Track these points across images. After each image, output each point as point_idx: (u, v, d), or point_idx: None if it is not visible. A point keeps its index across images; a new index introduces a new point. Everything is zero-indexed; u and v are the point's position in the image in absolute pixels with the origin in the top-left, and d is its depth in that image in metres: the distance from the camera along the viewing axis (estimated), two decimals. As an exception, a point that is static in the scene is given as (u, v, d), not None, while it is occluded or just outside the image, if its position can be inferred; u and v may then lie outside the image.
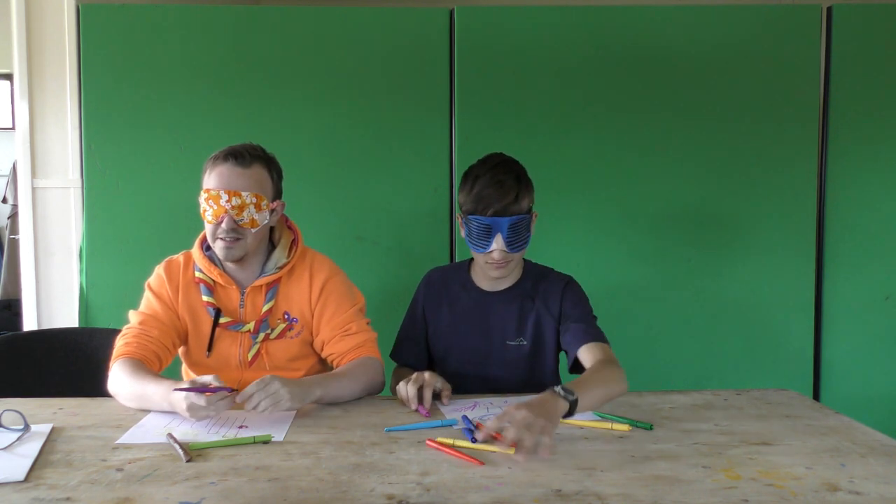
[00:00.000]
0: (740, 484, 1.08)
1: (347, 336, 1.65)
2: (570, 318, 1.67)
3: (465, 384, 1.62)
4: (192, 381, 1.37)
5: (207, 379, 1.36)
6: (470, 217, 1.60)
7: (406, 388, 1.46)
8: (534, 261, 1.80)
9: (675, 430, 1.33)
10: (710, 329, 2.45)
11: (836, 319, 2.46)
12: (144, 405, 1.45)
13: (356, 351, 1.64)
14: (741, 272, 2.45)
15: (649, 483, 1.08)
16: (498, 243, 1.57)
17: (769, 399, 1.55)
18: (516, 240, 1.59)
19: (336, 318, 1.66)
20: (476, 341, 1.72)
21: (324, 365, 1.81)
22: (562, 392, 1.27)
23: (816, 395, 2.47)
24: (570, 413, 1.27)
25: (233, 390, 1.36)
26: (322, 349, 1.70)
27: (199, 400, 1.32)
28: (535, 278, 1.74)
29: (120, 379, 1.50)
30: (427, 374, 1.49)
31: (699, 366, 2.24)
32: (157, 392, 1.41)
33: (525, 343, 1.71)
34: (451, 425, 1.36)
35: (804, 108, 2.42)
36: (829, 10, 2.42)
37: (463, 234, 1.67)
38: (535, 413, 1.17)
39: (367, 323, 1.71)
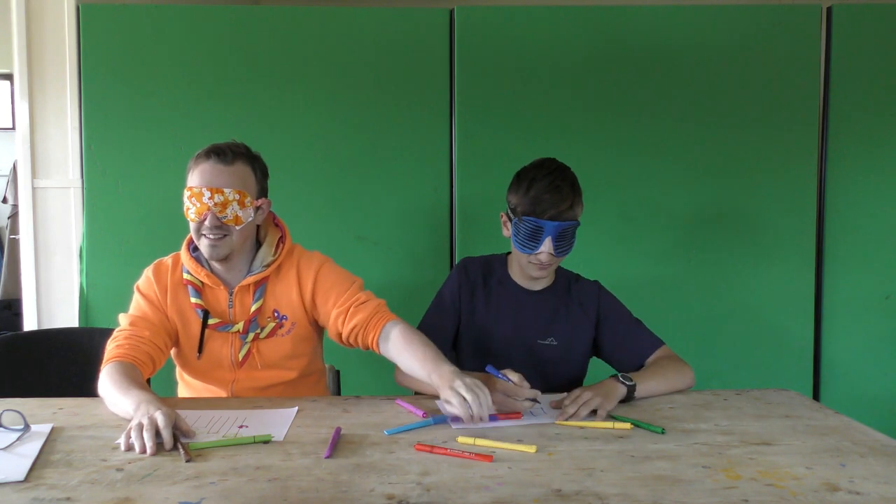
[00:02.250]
0: (740, 484, 1.08)
1: (360, 305, 1.61)
2: (619, 324, 1.74)
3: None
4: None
5: (189, 431, 1.29)
6: (525, 218, 1.62)
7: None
8: None
9: (675, 430, 1.33)
10: (710, 329, 2.45)
11: (836, 319, 2.46)
12: (116, 410, 1.41)
13: (377, 318, 1.59)
14: (741, 272, 2.45)
15: (649, 483, 1.08)
16: (547, 246, 1.61)
17: (769, 399, 1.55)
18: (564, 245, 1.63)
19: (341, 297, 1.63)
20: (508, 337, 1.73)
21: (320, 362, 1.81)
22: (621, 378, 1.50)
23: (816, 395, 2.47)
24: (629, 397, 1.49)
25: (189, 459, 1.18)
26: (341, 330, 1.63)
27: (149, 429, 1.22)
28: (568, 281, 1.80)
29: (105, 385, 1.47)
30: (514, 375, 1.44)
31: (699, 366, 2.22)
32: (123, 403, 1.37)
33: (555, 343, 1.73)
34: (443, 422, 1.37)
35: (804, 108, 2.42)
36: (829, 10, 2.42)
37: (506, 233, 1.71)
38: (594, 392, 1.43)
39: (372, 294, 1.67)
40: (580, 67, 2.41)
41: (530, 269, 1.68)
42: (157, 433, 1.22)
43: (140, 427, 1.23)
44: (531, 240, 1.62)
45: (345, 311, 1.62)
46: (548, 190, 1.60)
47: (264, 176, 1.66)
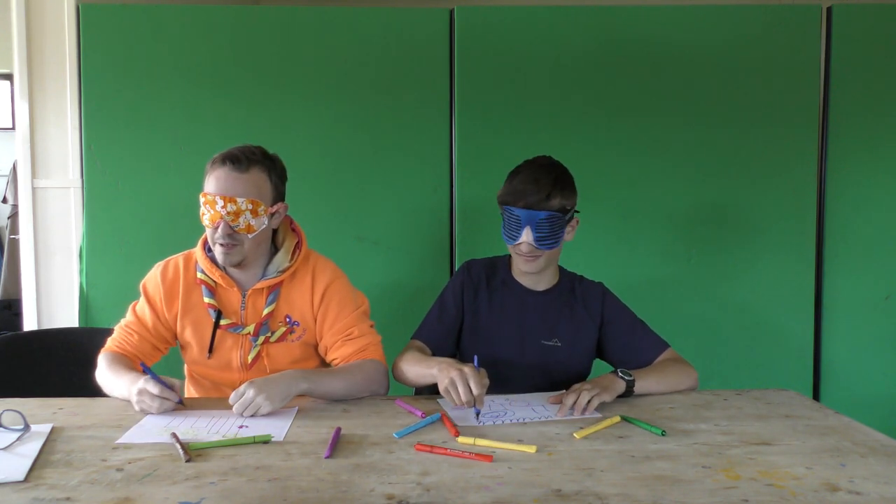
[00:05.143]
0: (740, 484, 1.08)
1: (349, 341, 1.64)
2: (623, 327, 1.75)
3: (496, 377, 1.59)
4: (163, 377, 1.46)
5: (174, 382, 1.45)
6: (505, 208, 1.67)
7: (462, 390, 1.38)
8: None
9: (675, 430, 1.33)
10: (710, 329, 2.45)
11: (836, 319, 2.46)
12: (115, 393, 1.54)
13: (358, 355, 1.63)
14: (741, 272, 2.45)
15: (649, 483, 1.08)
16: (527, 236, 1.63)
17: (769, 399, 1.55)
18: (544, 236, 1.64)
19: (338, 323, 1.66)
20: (511, 337, 1.73)
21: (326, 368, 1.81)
22: (620, 373, 1.54)
23: (816, 395, 2.47)
24: (627, 392, 1.52)
25: (181, 402, 1.45)
26: (326, 354, 1.69)
27: (154, 388, 1.40)
28: (572, 282, 1.81)
29: (101, 368, 1.60)
30: (469, 369, 1.42)
31: (699, 366, 2.24)
32: (123, 380, 1.51)
33: (559, 344, 1.73)
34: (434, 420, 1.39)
35: (804, 109, 2.42)
36: (829, 10, 2.42)
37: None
38: (593, 384, 1.47)
39: (371, 326, 1.71)
40: (580, 67, 2.40)
41: (518, 261, 1.71)
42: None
43: (143, 392, 1.41)
44: (512, 229, 1.65)
45: (334, 341, 1.66)
46: (525, 181, 1.64)
47: (281, 180, 1.65)
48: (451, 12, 2.40)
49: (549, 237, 1.64)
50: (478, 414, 1.38)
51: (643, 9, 2.41)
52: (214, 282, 1.65)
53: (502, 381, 1.62)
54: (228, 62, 2.37)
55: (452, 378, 1.39)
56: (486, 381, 1.41)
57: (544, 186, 1.62)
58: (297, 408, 1.47)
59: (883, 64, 2.41)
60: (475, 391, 1.37)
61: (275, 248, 1.69)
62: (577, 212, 1.72)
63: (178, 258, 1.70)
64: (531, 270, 1.71)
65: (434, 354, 1.69)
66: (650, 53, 2.41)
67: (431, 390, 1.80)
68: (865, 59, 2.41)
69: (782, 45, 2.41)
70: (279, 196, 1.64)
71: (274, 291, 1.65)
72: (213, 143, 1.69)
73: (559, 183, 1.65)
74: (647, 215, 2.43)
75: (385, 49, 2.39)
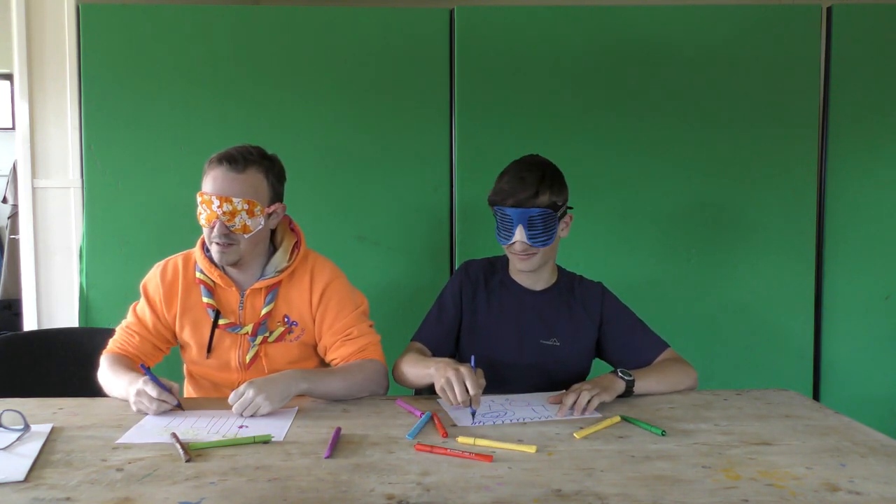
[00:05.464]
0: (740, 484, 1.08)
1: (349, 341, 1.64)
2: (623, 327, 1.75)
3: (494, 377, 1.60)
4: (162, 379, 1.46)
5: (173, 384, 1.45)
6: (495, 208, 1.67)
7: (458, 390, 1.39)
8: None
9: (675, 431, 1.33)
10: (710, 329, 2.45)
11: (836, 319, 2.46)
12: (115, 394, 1.55)
13: (358, 355, 1.63)
14: (741, 272, 2.45)
15: (649, 483, 1.08)
16: (519, 235, 1.63)
17: (769, 399, 1.55)
18: (536, 234, 1.64)
19: (337, 323, 1.66)
20: (510, 337, 1.73)
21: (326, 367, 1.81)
22: (620, 373, 1.53)
23: (816, 395, 2.47)
24: (627, 392, 1.52)
25: (179, 405, 1.45)
26: (325, 355, 1.69)
27: (152, 390, 1.40)
28: (571, 281, 1.81)
29: (102, 369, 1.61)
30: (465, 369, 1.42)
31: (699, 366, 2.25)
32: (123, 380, 1.51)
33: (558, 344, 1.73)
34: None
35: (804, 108, 2.42)
36: (829, 10, 2.42)
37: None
38: (593, 384, 1.47)
39: (370, 326, 1.71)
40: (580, 67, 2.40)
41: (515, 261, 1.71)
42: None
43: (141, 393, 1.41)
44: (505, 230, 1.66)
45: (333, 341, 1.66)
46: (511, 180, 1.65)
47: (279, 180, 1.65)
48: (451, 12, 2.40)
49: (542, 234, 1.64)
50: (473, 414, 1.38)
51: (643, 9, 2.41)
52: (213, 281, 1.65)
53: (501, 381, 1.62)
54: (228, 62, 2.37)
55: (448, 377, 1.40)
56: (483, 382, 1.41)
57: (530, 184, 1.63)
58: (297, 408, 1.47)
59: (883, 64, 2.41)
60: (471, 391, 1.37)
61: (273, 248, 1.69)
62: (571, 208, 1.72)
63: (178, 258, 1.70)
64: (527, 269, 1.71)
65: (434, 355, 1.69)
66: (650, 53, 2.41)
67: (431, 390, 1.81)
68: (865, 59, 2.41)
69: (782, 45, 2.41)
70: (277, 196, 1.64)
71: (272, 291, 1.65)
72: (213, 143, 1.69)
73: (546, 179, 1.65)
74: (647, 215, 2.43)
75: (385, 49, 2.39)
